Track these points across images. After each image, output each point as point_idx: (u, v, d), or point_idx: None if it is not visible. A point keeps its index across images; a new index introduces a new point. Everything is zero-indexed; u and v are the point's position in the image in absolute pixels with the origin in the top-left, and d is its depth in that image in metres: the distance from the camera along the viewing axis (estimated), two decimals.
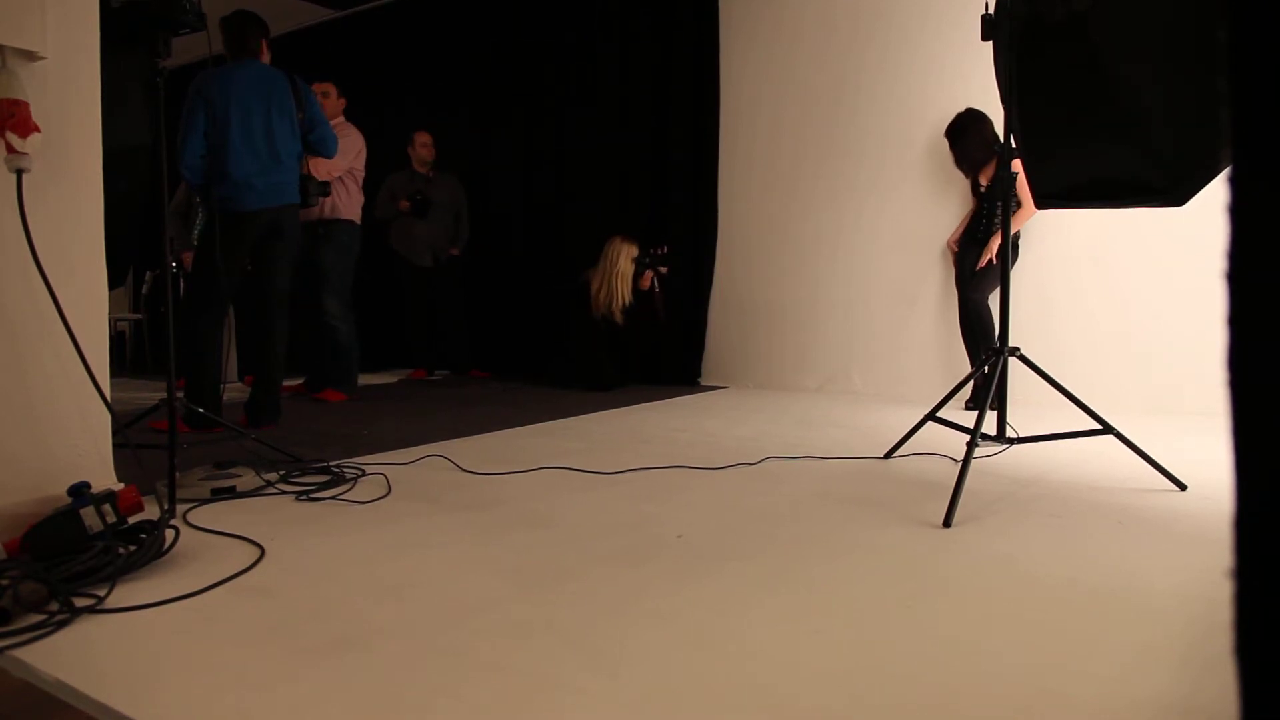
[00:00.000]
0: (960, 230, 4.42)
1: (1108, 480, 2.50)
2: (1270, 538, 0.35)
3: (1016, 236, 4.20)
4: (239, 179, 3.42)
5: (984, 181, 4.24)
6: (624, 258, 5.11)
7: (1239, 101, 0.35)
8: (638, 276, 5.13)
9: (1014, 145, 2.43)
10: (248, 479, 2.44)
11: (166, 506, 2.13)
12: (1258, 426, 0.35)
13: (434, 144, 5.73)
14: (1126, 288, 4.09)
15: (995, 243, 4.11)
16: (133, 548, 1.72)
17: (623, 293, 5.11)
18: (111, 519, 1.76)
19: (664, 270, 5.15)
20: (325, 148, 3.81)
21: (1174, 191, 2.18)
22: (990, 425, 2.48)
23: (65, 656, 1.32)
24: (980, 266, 4.20)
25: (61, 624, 1.43)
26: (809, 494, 2.40)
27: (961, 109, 4.30)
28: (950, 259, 4.47)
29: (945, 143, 4.48)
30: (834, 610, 1.52)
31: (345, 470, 2.65)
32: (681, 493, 2.42)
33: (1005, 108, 2.44)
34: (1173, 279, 3.92)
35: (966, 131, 4.20)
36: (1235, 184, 0.36)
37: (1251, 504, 0.36)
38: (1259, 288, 0.35)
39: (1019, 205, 3.95)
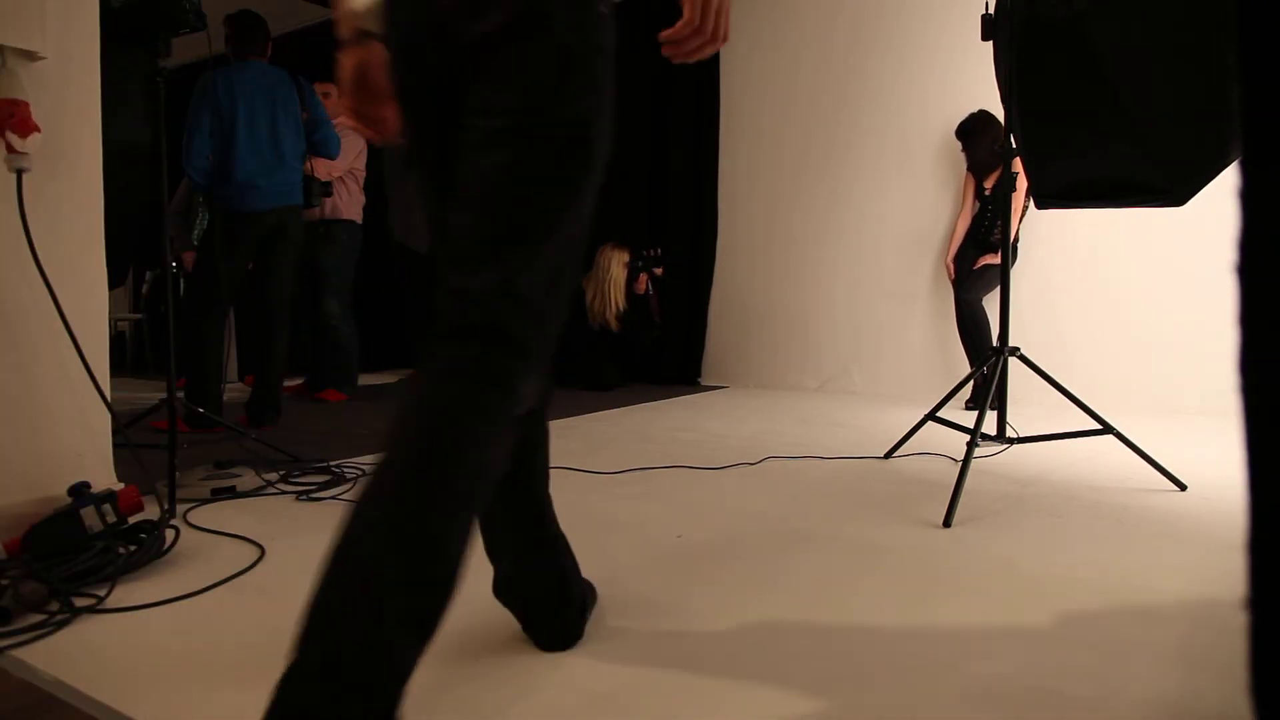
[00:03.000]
0: (957, 244, 4.40)
1: (1108, 480, 2.50)
2: None
3: (1016, 239, 4.20)
4: (243, 179, 3.41)
5: (988, 186, 4.24)
6: (615, 264, 5.13)
7: (1250, 82, 0.34)
8: (632, 281, 5.14)
9: (1014, 145, 2.43)
10: (248, 479, 2.44)
11: (166, 506, 2.13)
12: (1274, 434, 0.32)
13: None
14: (1126, 287, 4.08)
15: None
16: (133, 548, 1.72)
17: (616, 300, 5.13)
18: (111, 519, 1.76)
19: (659, 271, 5.16)
20: (328, 148, 3.81)
21: (1175, 191, 2.18)
22: (990, 425, 2.48)
23: (65, 656, 1.32)
24: (976, 267, 4.20)
25: (61, 624, 1.43)
26: (809, 494, 2.40)
27: (962, 109, 4.30)
28: (949, 274, 4.45)
29: (946, 143, 4.48)
30: (833, 610, 1.52)
31: (345, 470, 2.65)
32: (682, 493, 2.42)
33: (1005, 108, 2.44)
34: (1173, 279, 3.92)
35: (976, 134, 4.20)
36: (1247, 168, 0.34)
37: (1269, 519, 0.32)
38: (1274, 280, 0.33)
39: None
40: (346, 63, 1.17)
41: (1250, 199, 0.34)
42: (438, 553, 0.90)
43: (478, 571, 1.12)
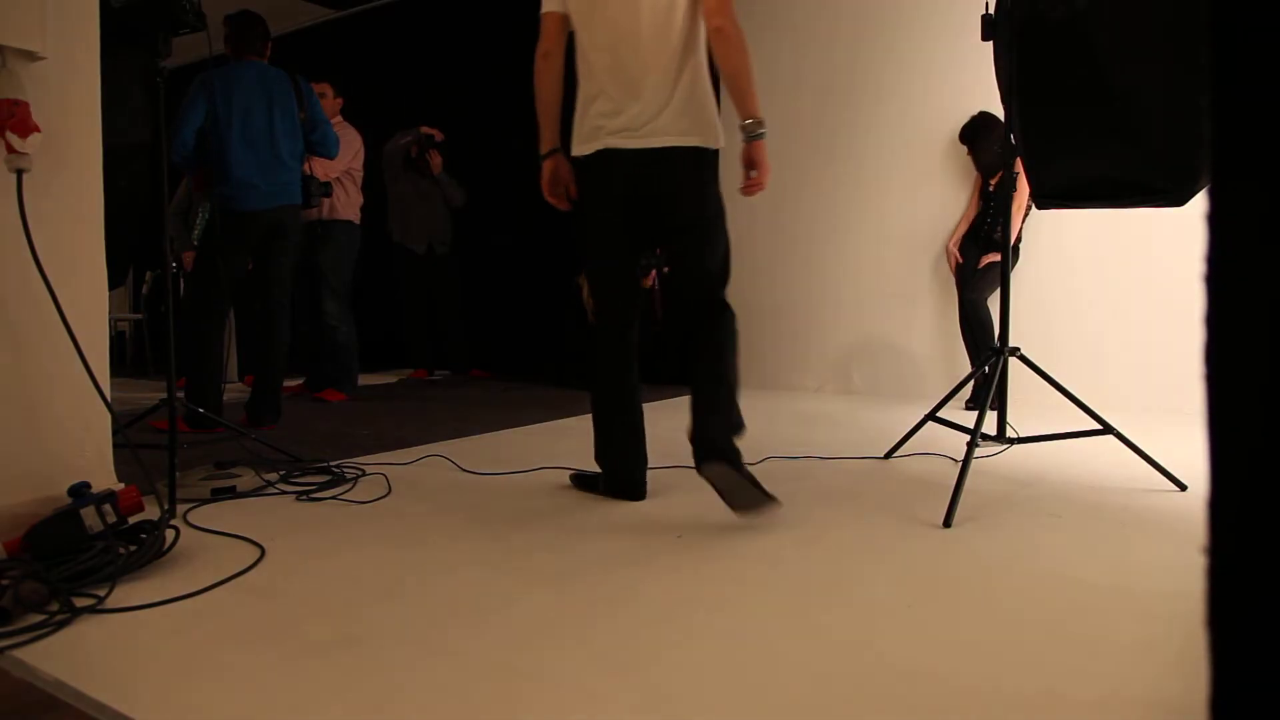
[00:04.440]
0: (961, 233, 4.41)
1: (1108, 480, 2.50)
2: (1240, 521, 0.38)
3: (1018, 239, 4.20)
4: (240, 178, 3.41)
5: (993, 185, 4.24)
6: None
7: (1216, 98, 0.36)
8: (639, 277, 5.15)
9: (1014, 145, 2.43)
10: (248, 479, 2.44)
11: (166, 506, 2.13)
12: (1231, 422, 0.38)
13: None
14: (1126, 288, 4.08)
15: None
16: (133, 548, 1.72)
17: None
18: (112, 519, 1.76)
19: (666, 270, 5.17)
20: (327, 148, 3.81)
21: (1175, 191, 2.18)
22: (990, 425, 2.48)
23: (65, 656, 1.32)
24: (980, 266, 4.20)
25: (61, 624, 1.43)
26: (809, 494, 2.40)
27: (963, 109, 4.30)
28: (949, 260, 4.46)
29: (946, 143, 4.48)
30: (834, 610, 1.52)
31: (345, 470, 2.65)
32: (681, 493, 2.42)
33: (1005, 108, 2.44)
34: (1173, 279, 3.91)
35: (982, 136, 4.20)
36: (1213, 191, 0.37)
37: (1224, 491, 0.38)
38: (1232, 288, 0.37)
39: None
40: (547, 166, 2.28)
41: (1214, 215, 0.37)
42: (735, 381, 2.19)
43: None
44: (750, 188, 2.31)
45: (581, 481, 2.44)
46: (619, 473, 2.32)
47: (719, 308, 2.31)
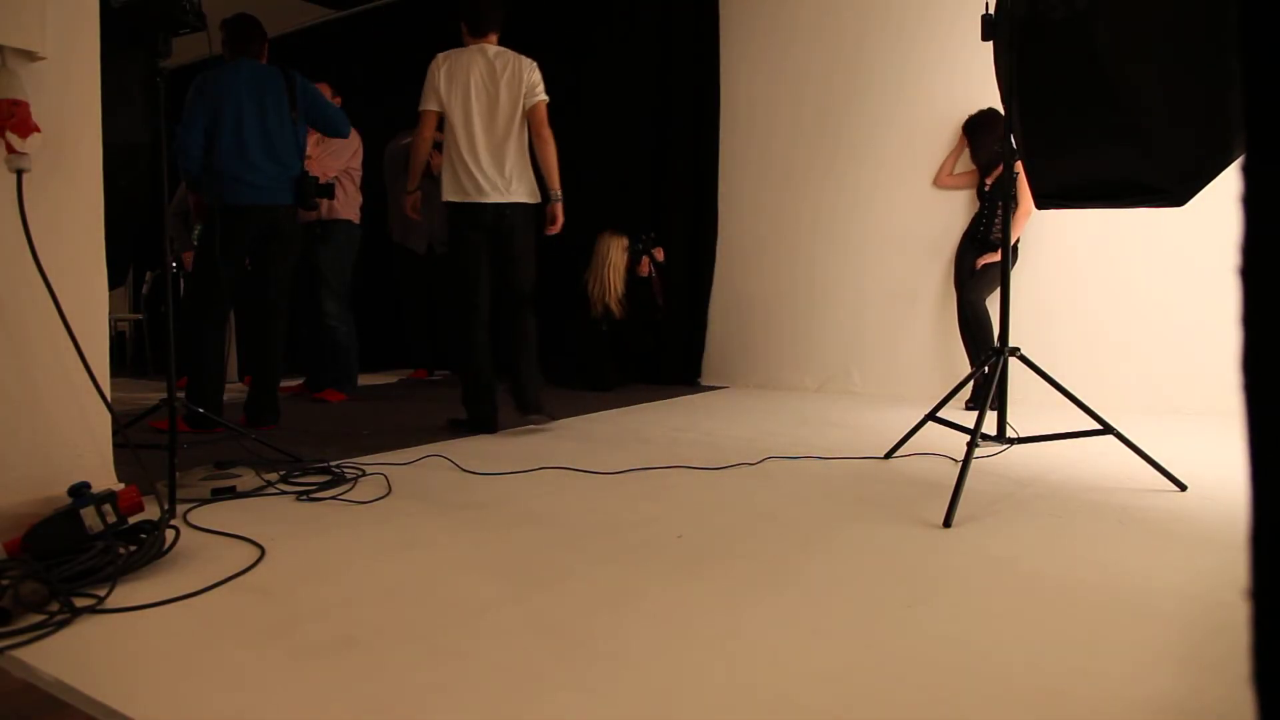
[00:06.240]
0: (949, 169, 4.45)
1: (1108, 480, 2.50)
2: None
3: (1016, 240, 4.20)
4: (234, 174, 3.41)
5: (989, 183, 4.25)
6: (615, 249, 5.19)
7: (1251, 78, 0.33)
8: (634, 265, 5.19)
9: (1014, 145, 2.43)
10: (248, 479, 2.44)
11: (166, 506, 2.13)
12: (1275, 433, 0.33)
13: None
14: (1127, 288, 4.08)
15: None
16: (133, 548, 1.72)
17: (615, 284, 5.19)
18: (112, 519, 1.76)
19: (659, 254, 5.20)
20: (335, 128, 3.83)
21: (1175, 191, 2.18)
22: (990, 425, 2.48)
23: (65, 656, 1.32)
24: (978, 267, 4.20)
25: (62, 624, 1.43)
26: (809, 494, 2.40)
27: (964, 108, 4.30)
28: (951, 259, 4.46)
29: (947, 142, 4.48)
30: (834, 610, 1.52)
31: (345, 470, 2.65)
32: (682, 493, 2.42)
33: (1005, 108, 2.44)
34: (1173, 279, 3.92)
35: (983, 132, 4.21)
36: (1248, 168, 0.34)
37: (1271, 515, 0.33)
38: (1275, 281, 0.33)
39: (1016, 206, 3.95)
40: (414, 197, 3.63)
41: (1251, 200, 0.33)
42: (535, 355, 3.63)
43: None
44: (552, 230, 3.61)
45: (456, 425, 3.53)
46: (482, 413, 3.48)
47: (529, 307, 3.60)
